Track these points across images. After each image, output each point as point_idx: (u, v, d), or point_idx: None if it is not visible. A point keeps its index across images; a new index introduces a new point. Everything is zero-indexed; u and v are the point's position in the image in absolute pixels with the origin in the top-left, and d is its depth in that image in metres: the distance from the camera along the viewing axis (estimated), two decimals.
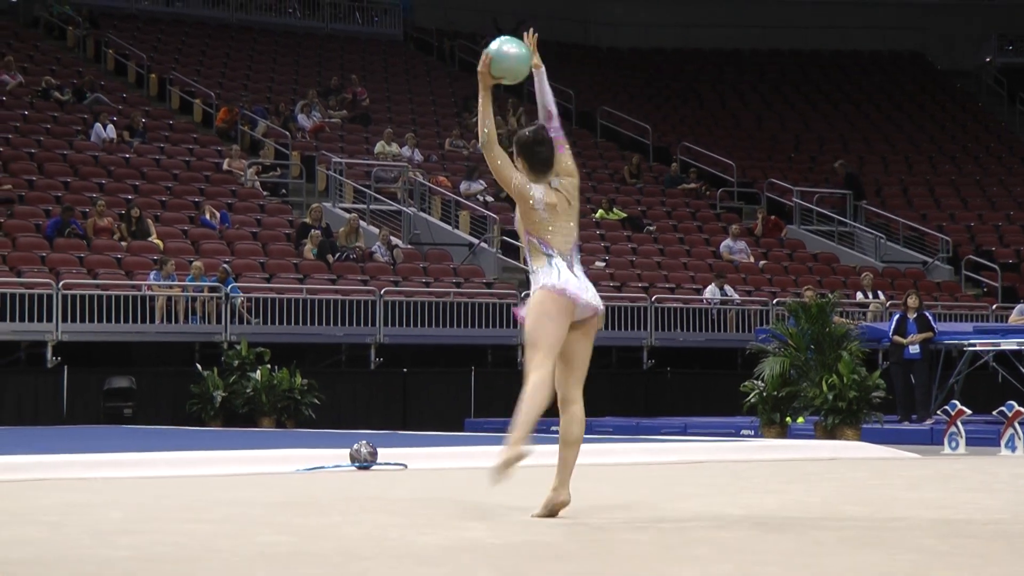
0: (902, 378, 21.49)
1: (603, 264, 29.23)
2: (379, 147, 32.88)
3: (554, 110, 7.91)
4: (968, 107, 44.61)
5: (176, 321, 24.02)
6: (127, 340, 23.75)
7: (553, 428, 8.16)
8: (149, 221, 26.89)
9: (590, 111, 38.23)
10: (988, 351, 23.07)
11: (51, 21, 37.28)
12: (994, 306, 30.03)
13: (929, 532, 7.13)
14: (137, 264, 25.29)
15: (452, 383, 25.05)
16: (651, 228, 32.45)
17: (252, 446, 14.27)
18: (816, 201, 34.96)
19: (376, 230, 28.88)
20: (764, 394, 19.29)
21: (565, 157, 7.86)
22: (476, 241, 29.45)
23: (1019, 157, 40.78)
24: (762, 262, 31.71)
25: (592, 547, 6.57)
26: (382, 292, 25.19)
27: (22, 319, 22.89)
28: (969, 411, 17.05)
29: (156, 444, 14.99)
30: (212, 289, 24.30)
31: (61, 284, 23.30)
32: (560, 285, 7.73)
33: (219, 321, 24.15)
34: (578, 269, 7.83)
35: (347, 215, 29.10)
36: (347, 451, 12.25)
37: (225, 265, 25.10)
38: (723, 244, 31.65)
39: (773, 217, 34.15)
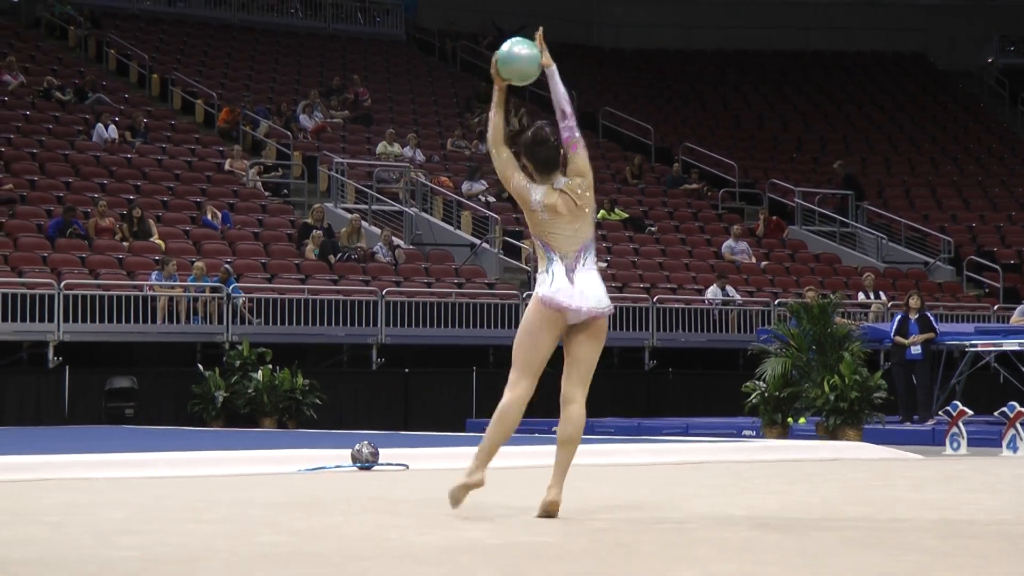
0: (904, 379, 21.48)
1: (605, 265, 29.22)
2: (381, 147, 32.88)
3: (567, 109, 7.79)
4: (970, 108, 44.61)
5: (178, 321, 24.03)
6: (129, 340, 23.76)
7: (554, 429, 8.16)
8: (151, 221, 26.90)
9: (592, 112, 38.23)
10: (990, 352, 23.08)
11: (53, 21, 37.29)
12: (996, 307, 30.03)
13: (931, 533, 7.13)
14: (139, 264, 25.30)
15: (454, 383, 25.06)
16: (653, 229, 32.45)
17: (253, 446, 14.27)
18: (818, 202, 34.96)
19: (378, 230, 28.89)
20: (766, 395, 19.28)
21: (578, 157, 7.74)
22: (478, 241, 29.45)
23: (1021, 158, 40.77)
24: (764, 263, 31.72)
25: (593, 547, 6.56)
26: (384, 292, 25.19)
27: (24, 319, 22.90)
28: (971, 412, 17.05)
29: (157, 444, 14.99)
30: (214, 289, 24.30)
31: (63, 284, 23.31)
32: (548, 294, 7.71)
33: (221, 321, 24.16)
34: (583, 272, 7.72)
35: (349, 215, 29.11)
36: (348, 451, 12.25)
37: (227, 265, 25.10)
38: (725, 245, 31.65)
39: (775, 218, 34.15)
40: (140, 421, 22.53)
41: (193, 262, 25.03)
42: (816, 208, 34.66)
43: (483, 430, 7.93)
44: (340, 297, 25.03)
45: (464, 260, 28.94)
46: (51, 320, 23.00)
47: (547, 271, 7.74)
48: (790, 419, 19.38)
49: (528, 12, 41.40)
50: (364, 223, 28.98)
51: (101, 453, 12.62)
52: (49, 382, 22.86)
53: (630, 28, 45.59)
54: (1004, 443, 16.24)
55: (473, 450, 7.96)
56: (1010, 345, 22.30)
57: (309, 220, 28.15)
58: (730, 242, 31.63)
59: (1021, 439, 16.06)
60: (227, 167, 30.76)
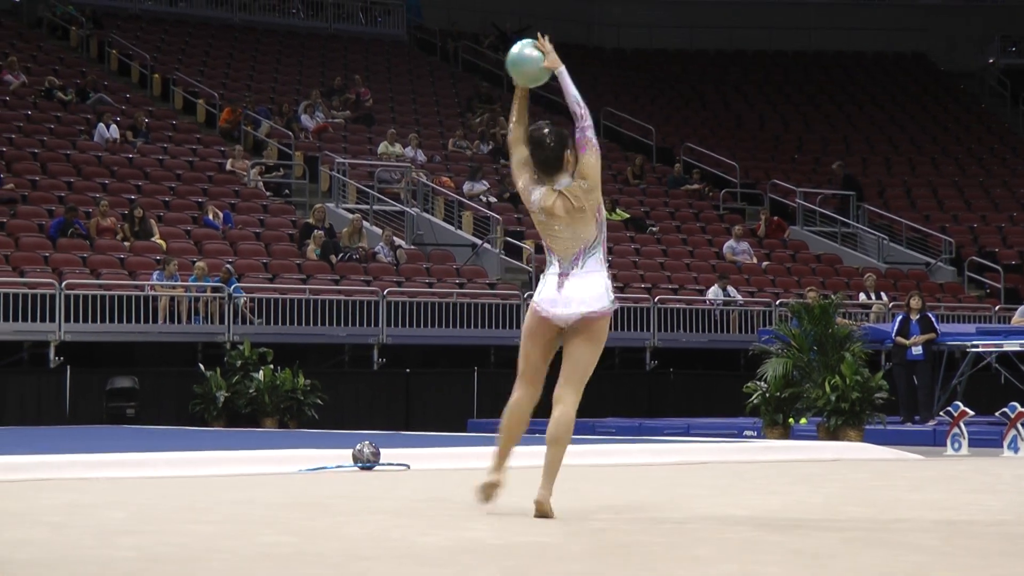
0: (905, 379, 21.47)
1: (606, 265, 29.19)
2: (382, 147, 32.88)
3: (578, 110, 7.71)
4: (971, 108, 44.61)
5: (179, 321, 24.03)
6: (130, 340, 23.76)
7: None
8: (152, 221, 26.90)
9: (593, 112, 38.03)
10: (991, 352, 23.07)
11: (54, 21, 37.30)
12: (997, 307, 30.02)
13: (932, 533, 7.13)
14: (140, 264, 25.30)
15: (455, 383, 25.06)
16: (654, 229, 32.44)
17: (255, 446, 14.26)
18: (819, 202, 34.96)
19: (379, 230, 28.88)
20: (767, 395, 19.28)
21: (587, 158, 7.68)
22: (479, 242, 29.45)
23: (1022, 158, 40.77)
24: (765, 263, 31.71)
25: (594, 547, 6.56)
26: (385, 292, 25.19)
27: (25, 319, 22.90)
28: (972, 412, 17.05)
29: (159, 444, 14.99)
30: (215, 289, 24.30)
31: (64, 284, 23.31)
32: (535, 301, 7.82)
33: (222, 321, 24.15)
34: (580, 276, 7.71)
35: (350, 215, 29.11)
36: (350, 451, 12.24)
37: (228, 265, 25.10)
38: (726, 245, 31.65)
39: (776, 218, 34.15)
40: (141, 421, 22.53)
41: (194, 262, 25.03)
42: (817, 208, 34.65)
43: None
44: (341, 297, 25.03)
45: (465, 260, 28.94)
46: (52, 320, 23.00)
47: (544, 275, 7.82)
48: (791, 419, 19.38)
49: (528, 12, 41.43)
50: (365, 223, 28.98)
51: (102, 453, 12.62)
52: (50, 382, 22.86)
53: (630, 28, 45.59)
54: (1005, 444, 16.24)
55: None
56: (1011, 346, 22.30)
57: (310, 220, 28.15)
58: (731, 242, 31.63)
59: (1022, 440, 16.06)
60: (228, 167, 30.76)
